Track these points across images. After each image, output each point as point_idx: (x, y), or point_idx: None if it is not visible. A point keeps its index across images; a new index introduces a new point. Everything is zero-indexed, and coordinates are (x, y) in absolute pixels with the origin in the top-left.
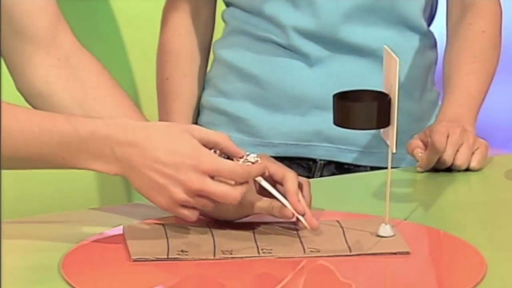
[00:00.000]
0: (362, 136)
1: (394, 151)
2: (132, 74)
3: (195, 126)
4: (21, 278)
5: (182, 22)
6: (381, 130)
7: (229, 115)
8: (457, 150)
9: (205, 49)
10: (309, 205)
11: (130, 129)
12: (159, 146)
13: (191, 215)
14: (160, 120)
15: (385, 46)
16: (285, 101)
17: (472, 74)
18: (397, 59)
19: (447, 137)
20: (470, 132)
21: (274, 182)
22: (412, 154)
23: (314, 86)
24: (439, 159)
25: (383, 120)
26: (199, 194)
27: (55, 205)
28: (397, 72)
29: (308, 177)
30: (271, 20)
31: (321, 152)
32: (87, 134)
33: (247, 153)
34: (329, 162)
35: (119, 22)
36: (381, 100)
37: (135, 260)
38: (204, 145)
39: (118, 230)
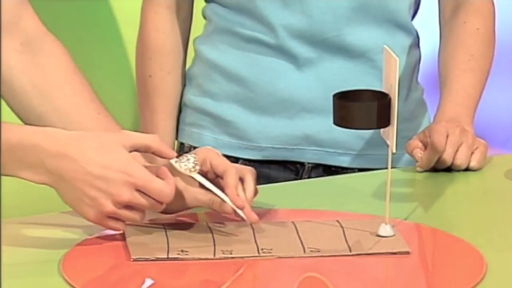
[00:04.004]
0: (350, 139)
1: (394, 151)
2: (132, 74)
3: (125, 132)
4: (21, 278)
5: (164, 18)
6: (381, 130)
7: (216, 117)
8: (457, 150)
9: (186, 45)
10: (254, 195)
11: (62, 141)
12: (91, 160)
13: (119, 226)
14: (143, 118)
15: (385, 46)
16: (273, 104)
17: (468, 72)
18: (397, 59)
19: (447, 137)
20: (469, 132)
21: (215, 176)
22: (411, 154)
23: (303, 89)
24: (438, 159)
25: (383, 120)
26: (127, 206)
27: (55, 205)
28: (397, 72)
29: (296, 180)
30: (260, 19)
31: (309, 155)
32: (16, 142)
33: (187, 156)
34: (317, 165)
35: (119, 22)
36: (381, 100)
37: (135, 260)
38: (137, 150)
39: None
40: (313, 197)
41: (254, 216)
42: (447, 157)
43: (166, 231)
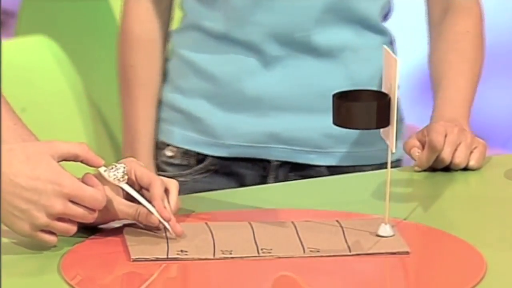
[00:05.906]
0: (316, 137)
1: (393, 151)
2: None
3: (52, 142)
4: (21, 277)
5: (145, 8)
6: (381, 130)
7: (185, 113)
8: (455, 149)
9: (166, 36)
10: (177, 208)
11: None
12: (19, 172)
13: (52, 239)
14: (124, 108)
15: (385, 46)
16: (241, 101)
17: (462, 75)
18: (397, 59)
19: (445, 136)
20: (468, 132)
21: (140, 188)
22: (409, 154)
23: (270, 87)
24: (437, 158)
25: (383, 120)
26: (60, 218)
27: None
28: (397, 72)
29: (263, 177)
30: (230, 15)
31: (276, 153)
32: None
33: (116, 165)
34: (284, 163)
35: (119, 22)
36: (381, 100)
37: (134, 260)
38: (65, 159)
39: (118, 230)
40: (313, 197)
41: (179, 229)
42: (446, 156)
43: (165, 231)
